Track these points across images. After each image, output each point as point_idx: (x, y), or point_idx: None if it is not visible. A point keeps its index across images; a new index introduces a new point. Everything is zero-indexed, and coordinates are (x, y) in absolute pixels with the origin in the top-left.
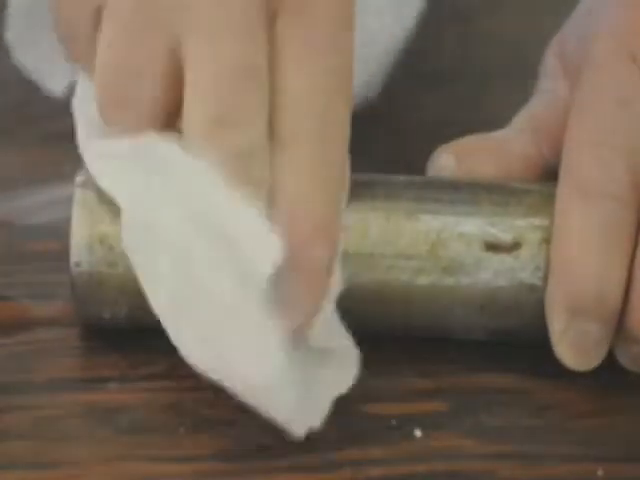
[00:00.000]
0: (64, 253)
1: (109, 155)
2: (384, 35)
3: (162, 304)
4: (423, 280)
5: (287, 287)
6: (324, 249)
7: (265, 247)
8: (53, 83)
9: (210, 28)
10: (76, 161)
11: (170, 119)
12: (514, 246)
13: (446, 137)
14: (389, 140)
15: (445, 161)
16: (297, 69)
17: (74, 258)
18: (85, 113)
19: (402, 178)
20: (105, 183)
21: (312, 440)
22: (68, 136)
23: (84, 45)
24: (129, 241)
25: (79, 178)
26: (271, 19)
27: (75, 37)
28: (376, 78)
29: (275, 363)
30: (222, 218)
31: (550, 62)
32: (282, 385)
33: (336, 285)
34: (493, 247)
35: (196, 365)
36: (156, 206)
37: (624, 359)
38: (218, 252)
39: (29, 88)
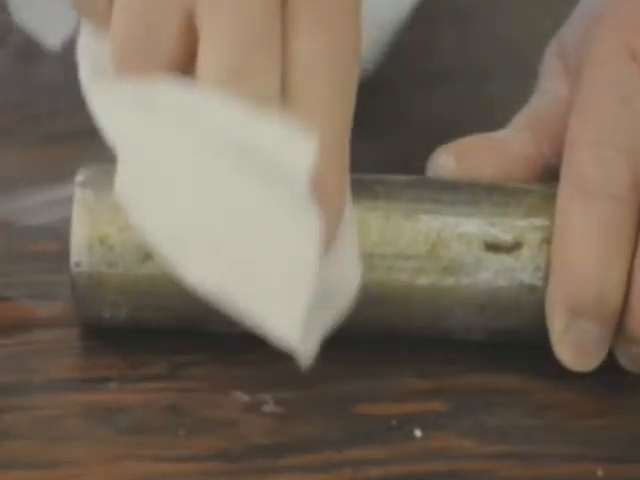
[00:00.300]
0: (64, 253)
1: (115, 96)
2: (380, 10)
3: (167, 231)
4: (423, 280)
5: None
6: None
7: (298, 147)
8: (51, 37)
9: None
10: (76, 161)
11: (184, 71)
12: (514, 246)
13: (446, 137)
14: (388, 140)
15: (445, 161)
16: (310, 33)
17: (74, 258)
18: (91, 58)
19: (402, 178)
20: (106, 123)
21: (312, 440)
22: (68, 136)
23: (102, 9)
24: (126, 184)
25: (79, 178)
26: None
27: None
28: (370, 53)
29: (309, 274)
30: (246, 134)
31: (550, 61)
32: (311, 294)
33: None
34: (493, 247)
35: (202, 283)
36: (163, 140)
37: (624, 360)
38: (243, 168)
39: (29, 88)
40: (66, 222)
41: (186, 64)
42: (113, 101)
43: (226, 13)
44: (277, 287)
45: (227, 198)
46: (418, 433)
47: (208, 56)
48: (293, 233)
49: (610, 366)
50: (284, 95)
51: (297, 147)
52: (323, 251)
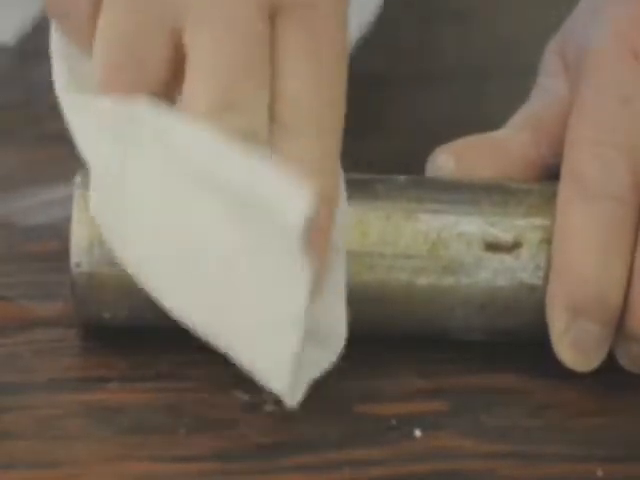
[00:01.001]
0: (64, 253)
1: (93, 112)
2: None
3: (149, 266)
4: (423, 280)
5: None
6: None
7: (295, 197)
8: (3, 32)
9: (213, 17)
10: (76, 161)
11: (169, 90)
12: (514, 246)
13: (445, 137)
14: (389, 140)
15: (444, 161)
16: (298, 63)
17: (74, 258)
18: (66, 58)
19: (402, 178)
20: (79, 138)
21: (312, 440)
22: (68, 136)
23: (83, 23)
24: (100, 205)
25: (78, 178)
26: (272, 13)
27: (72, 15)
28: None
29: (297, 323)
30: (234, 174)
31: (550, 60)
32: (298, 346)
33: (340, 259)
34: (493, 247)
35: (185, 320)
36: (142, 169)
37: (624, 359)
38: (230, 209)
39: (29, 88)
40: (66, 222)
41: (173, 85)
42: (90, 120)
43: (214, 37)
44: (265, 333)
45: (211, 235)
46: (418, 433)
47: (194, 85)
48: (282, 279)
49: (610, 366)
50: (272, 126)
51: (293, 201)
52: (311, 297)
